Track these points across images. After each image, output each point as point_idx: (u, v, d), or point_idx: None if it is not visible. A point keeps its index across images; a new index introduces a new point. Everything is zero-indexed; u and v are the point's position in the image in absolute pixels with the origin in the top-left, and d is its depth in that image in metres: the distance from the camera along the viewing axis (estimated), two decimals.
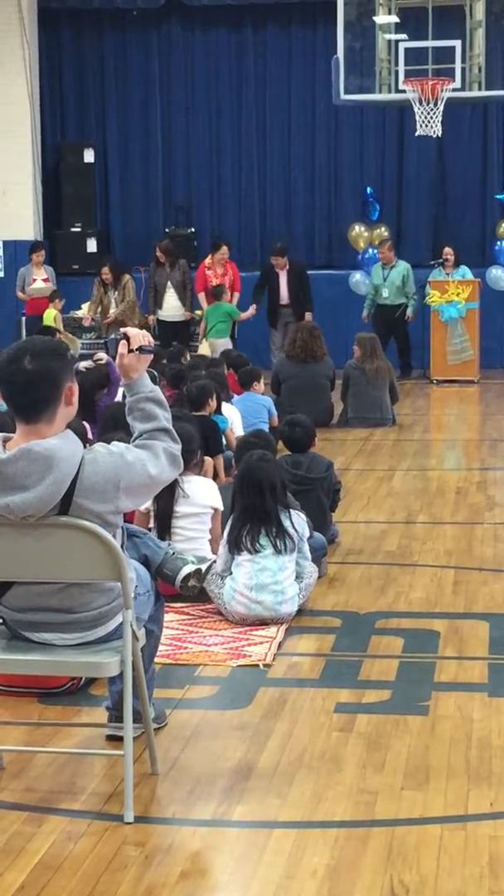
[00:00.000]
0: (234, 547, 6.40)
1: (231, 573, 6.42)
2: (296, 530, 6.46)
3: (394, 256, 16.21)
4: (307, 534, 6.66)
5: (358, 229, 17.42)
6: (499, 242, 16.93)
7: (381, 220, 17.30)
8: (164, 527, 6.77)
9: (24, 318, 16.33)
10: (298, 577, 6.48)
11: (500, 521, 8.61)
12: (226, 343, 14.83)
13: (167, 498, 6.72)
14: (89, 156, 18.34)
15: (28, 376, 4.09)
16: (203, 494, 6.93)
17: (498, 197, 17.26)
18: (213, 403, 9.20)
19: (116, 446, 4.27)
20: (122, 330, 4.57)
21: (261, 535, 6.37)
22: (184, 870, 3.88)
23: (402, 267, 16.18)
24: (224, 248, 15.76)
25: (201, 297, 15.64)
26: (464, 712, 5.14)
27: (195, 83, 18.80)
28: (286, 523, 6.42)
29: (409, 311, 16.04)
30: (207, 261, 15.84)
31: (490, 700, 5.28)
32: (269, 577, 6.33)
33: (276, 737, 4.91)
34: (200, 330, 15.37)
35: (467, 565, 7.49)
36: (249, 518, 6.40)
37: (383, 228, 17.58)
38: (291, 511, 6.52)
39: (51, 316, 15.87)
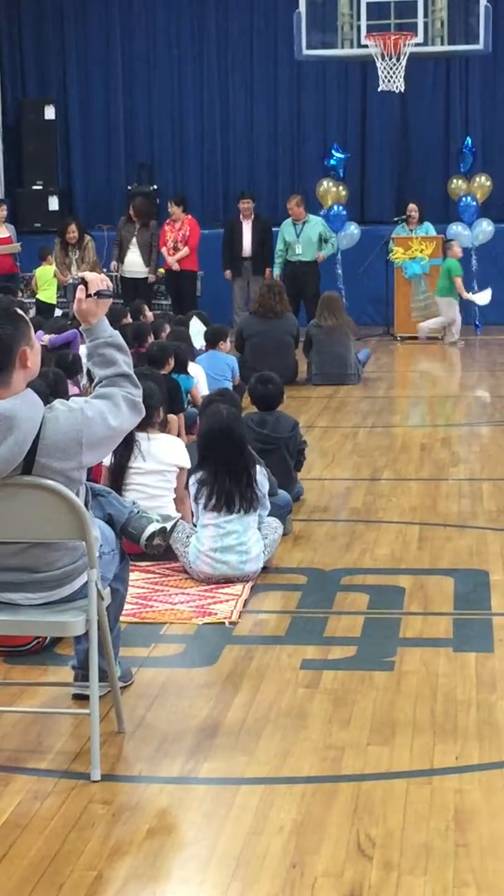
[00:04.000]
0: (208, 502, 6.36)
1: (196, 532, 6.40)
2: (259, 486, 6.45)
3: (304, 212, 15.57)
4: (267, 488, 6.64)
5: (326, 185, 17.10)
6: (463, 198, 16.71)
7: (344, 177, 17.11)
8: (117, 482, 6.72)
9: None
10: (260, 530, 6.46)
11: (464, 478, 8.63)
12: (449, 302, 15.42)
13: (123, 454, 6.68)
14: (50, 113, 18.15)
15: None
16: (169, 452, 6.89)
17: (463, 150, 17.07)
18: (171, 362, 9.14)
19: (76, 402, 4.26)
20: (79, 274, 4.55)
21: (233, 490, 6.34)
22: (151, 827, 3.89)
23: (316, 221, 15.65)
24: (170, 205, 15.89)
25: (163, 251, 15.75)
26: (429, 667, 5.16)
27: (156, 38, 18.62)
28: (259, 479, 6.41)
29: (322, 253, 15.47)
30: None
31: (455, 655, 5.31)
32: (234, 539, 6.32)
33: (242, 694, 4.92)
34: None
35: (432, 521, 7.51)
36: (225, 474, 6.36)
37: (341, 187, 17.29)
38: (257, 467, 6.51)
39: (49, 272, 15.72)
